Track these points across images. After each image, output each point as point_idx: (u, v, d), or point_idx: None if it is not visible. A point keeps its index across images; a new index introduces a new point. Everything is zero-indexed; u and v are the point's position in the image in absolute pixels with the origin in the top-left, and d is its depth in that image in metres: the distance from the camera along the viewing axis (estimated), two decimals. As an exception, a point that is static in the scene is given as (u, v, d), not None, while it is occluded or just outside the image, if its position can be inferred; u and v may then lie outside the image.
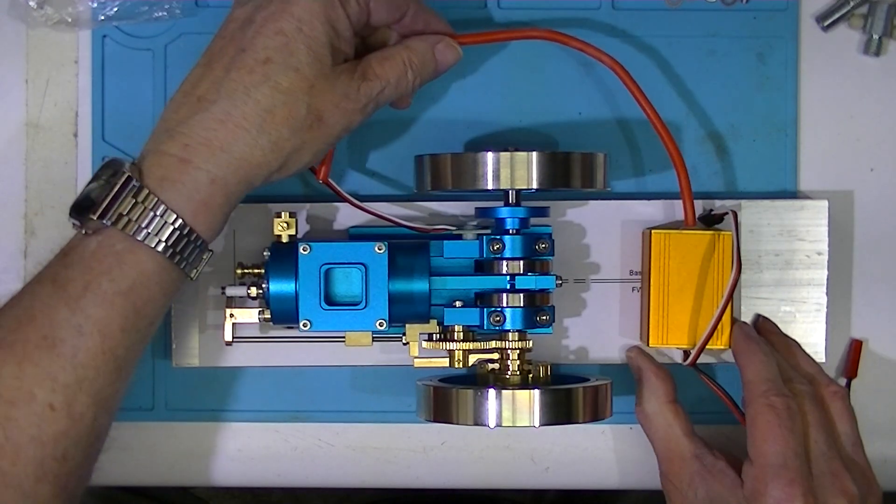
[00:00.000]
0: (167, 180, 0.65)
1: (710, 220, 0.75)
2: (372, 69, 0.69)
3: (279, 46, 0.66)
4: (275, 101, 0.66)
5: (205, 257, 0.67)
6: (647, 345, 0.75)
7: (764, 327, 0.76)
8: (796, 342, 0.75)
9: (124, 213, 0.64)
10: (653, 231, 0.74)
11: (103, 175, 0.65)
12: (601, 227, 0.77)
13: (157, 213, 0.64)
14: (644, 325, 0.76)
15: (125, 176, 0.64)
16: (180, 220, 0.64)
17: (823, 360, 0.76)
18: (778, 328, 0.76)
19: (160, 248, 0.64)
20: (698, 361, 0.74)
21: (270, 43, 0.66)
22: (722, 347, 0.74)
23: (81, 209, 0.64)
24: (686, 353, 0.74)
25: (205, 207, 0.65)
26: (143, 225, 0.64)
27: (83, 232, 0.65)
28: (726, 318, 0.73)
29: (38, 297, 0.64)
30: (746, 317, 0.76)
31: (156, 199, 0.64)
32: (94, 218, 0.64)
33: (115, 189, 0.64)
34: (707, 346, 0.73)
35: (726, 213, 0.74)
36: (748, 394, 0.70)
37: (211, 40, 0.68)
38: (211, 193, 0.65)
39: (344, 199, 0.75)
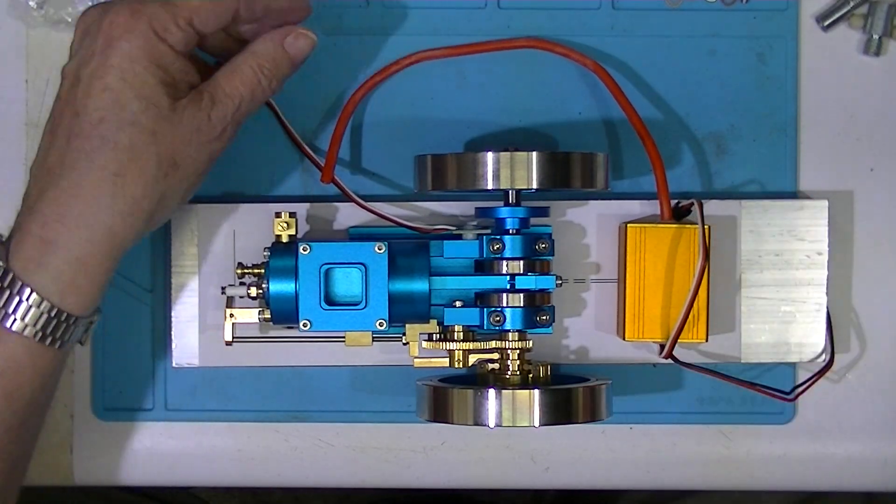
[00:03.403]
0: (32, 262, 0.63)
1: (679, 214, 0.75)
2: (221, 89, 0.67)
3: (109, 104, 0.64)
4: (120, 162, 0.64)
5: (88, 324, 0.66)
6: (623, 339, 0.75)
7: None
8: None
9: None
10: (628, 225, 0.74)
11: None
12: (601, 227, 0.77)
13: (24, 297, 0.63)
14: (620, 319, 0.76)
15: None
16: (47, 303, 0.63)
17: (823, 360, 0.76)
18: None
19: (28, 332, 0.63)
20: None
21: (100, 102, 0.64)
22: (699, 341, 0.74)
23: None
24: (662, 348, 0.74)
25: (73, 288, 0.64)
26: (10, 311, 0.63)
27: None
28: (701, 310, 0.73)
29: None
30: (747, 315, 0.76)
31: (20, 283, 0.63)
32: None
33: None
34: (684, 340, 0.73)
35: (692, 204, 0.74)
36: None
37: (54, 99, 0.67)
38: (77, 273, 0.64)
39: (349, 198, 0.75)
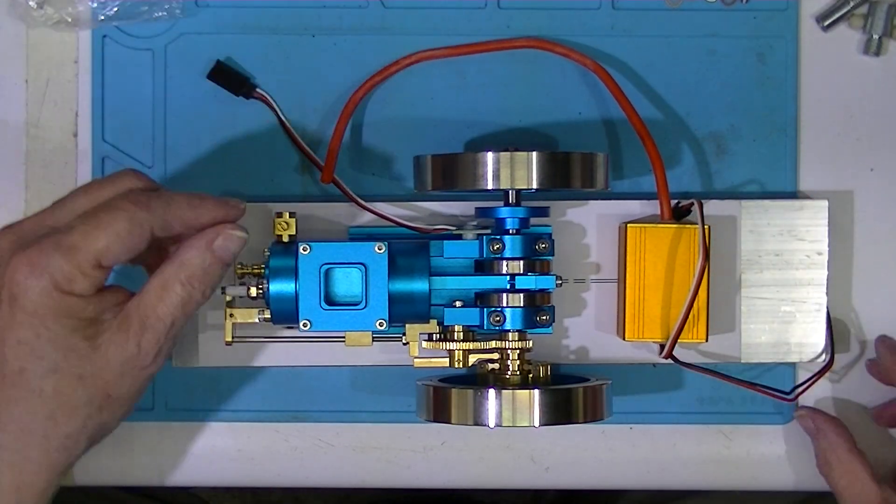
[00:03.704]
0: None
1: (679, 213, 0.75)
2: (150, 310, 0.64)
3: (26, 355, 0.62)
4: (49, 407, 0.63)
5: None
6: (623, 339, 0.75)
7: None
8: None
9: None
10: (628, 225, 0.74)
11: None
12: (601, 227, 0.77)
13: None
14: (620, 319, 0.76)
15: None
16: None
17: (823, 360, 0.76)
18: None
19: None
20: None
21: (17, 353, 0.62)
22: (699, 341, 0.74)
23: None
24: (662, 348, 0.75)
25: None
26: None
27: None
28: (701, 310, 0.73)
29: None
30: (746, 315, 0.76)
31: None
32: None
33: None
34: (684, 340, 0.73)
35: (692, 204, 0.74)
36: None
37: None
38: (20, 495, 0.63)
39: (349, 198, 0.75)
